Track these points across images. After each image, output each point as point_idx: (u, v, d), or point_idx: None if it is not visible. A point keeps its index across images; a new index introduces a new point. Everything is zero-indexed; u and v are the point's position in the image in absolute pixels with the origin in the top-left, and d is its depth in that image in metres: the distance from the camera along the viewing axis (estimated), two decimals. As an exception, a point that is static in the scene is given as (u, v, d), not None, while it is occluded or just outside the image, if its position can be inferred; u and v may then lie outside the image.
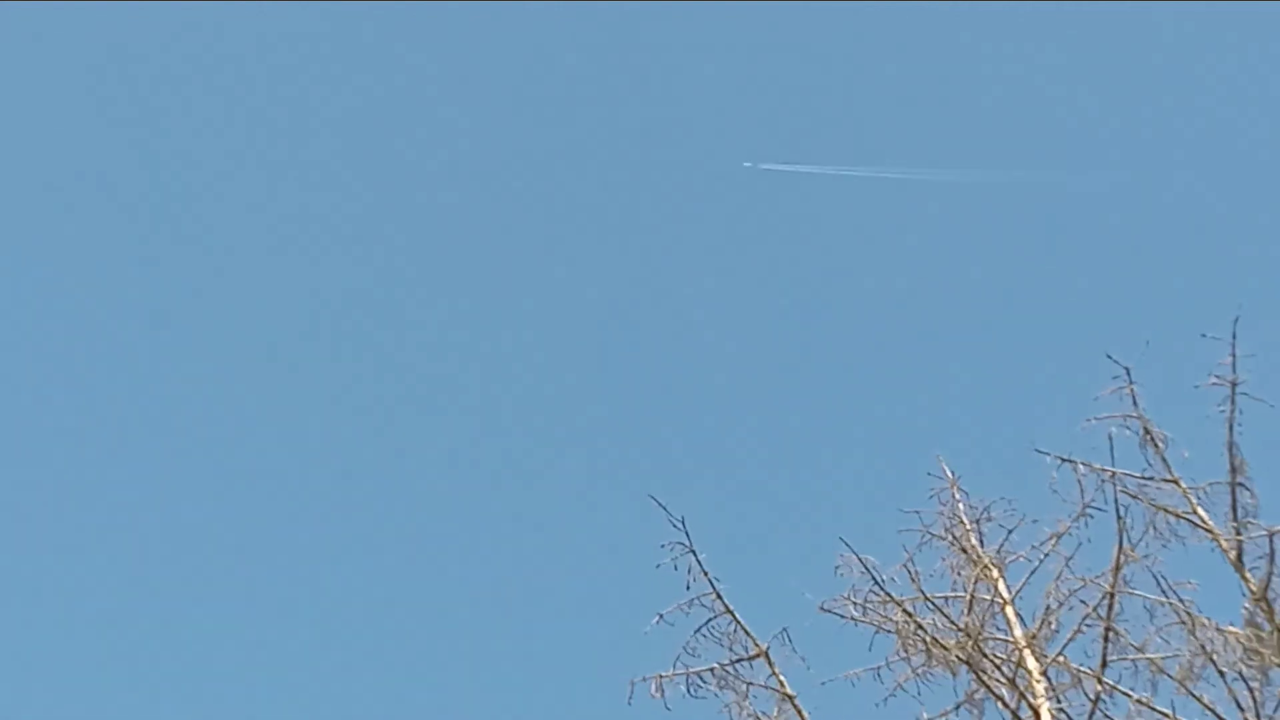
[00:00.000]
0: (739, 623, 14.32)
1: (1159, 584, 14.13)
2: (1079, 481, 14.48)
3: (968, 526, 15.05)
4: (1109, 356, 14.59)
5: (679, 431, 36.71)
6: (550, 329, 39.31)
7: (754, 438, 35.86)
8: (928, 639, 14.31)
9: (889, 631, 14.50)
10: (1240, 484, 14.19)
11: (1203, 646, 13.81)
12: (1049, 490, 14.60)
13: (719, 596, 14.31)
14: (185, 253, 40.46)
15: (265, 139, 41.79)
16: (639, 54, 42.22)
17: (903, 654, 14.44)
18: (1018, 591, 14.70)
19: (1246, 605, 13.95)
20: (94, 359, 39.70)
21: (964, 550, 14.89)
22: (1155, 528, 14.31)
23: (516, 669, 31.32)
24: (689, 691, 14.21)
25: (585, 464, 36.50)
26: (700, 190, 40.49)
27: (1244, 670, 13.67)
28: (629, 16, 41.84)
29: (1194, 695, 13.76)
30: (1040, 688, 14.05)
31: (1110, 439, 14.44)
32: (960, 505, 15.18)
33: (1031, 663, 14.19)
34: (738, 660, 14.27)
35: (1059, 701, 14.04)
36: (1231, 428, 14.24)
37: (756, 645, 14.30)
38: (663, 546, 14.39)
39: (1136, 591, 14.26)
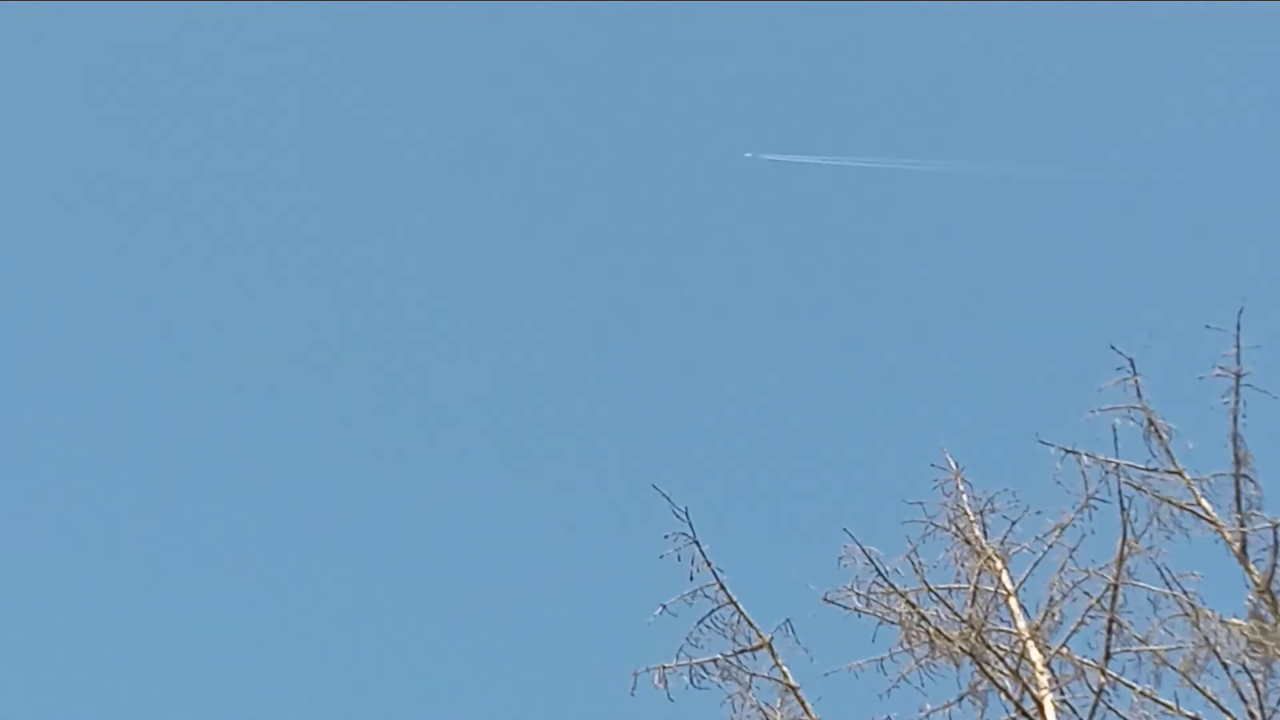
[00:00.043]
0: (742, 614, 14.32)
1: (1163, 576, 14.14)
2: (1083, 473, 14.48)
3: (971, 518, 15.04)
4: (1113, 348, 14.59)
5: (682, 422, 36.74)
6: (553, 321, 39.33)
7: (757, 429, 35.87)
8: (931, 630, 14.30)
9: (892, 623, 14.50)
10: (1244, 476, 14.19)
11: (1206, 639, 13.79)
12: (1053, 482, 14.62)
13: (722, 587, 14.31)
14: (185, 253, 40.46)
15: (264, 139, 41.79)
16: (639, 46, 42.22)
17: (906, 645, 14.43)
18: (1021, 583, 14.69)
19: (1250, 597, 13.94)
20: (94, 359, 39.71)
21: (967, 541, 14.88)
22: (1159, 519, 14.30)
23: (520, 660, 31.34)
24: (692, 682, 14.20)
25: (588, 455, 36.52)
26: (701, 181, 40.50)
27: (1248, 662, 13.66)
28: (629, 8, 41.86)
29: (1197, 687, 13.75)
30: (1044, 679, 14.05)
31: (1114, 430, 14.44)
32: (964, 496, 15.17)
33: (1035, 654, 14.18)
34: (741, 651, 14.27)
35: (1062, 693, 14.03)
36: (1236, 419, 14.23)
37: (760, 636, 14.29)
38: (666, 537, 14.40)
39: (1140, 583, 14.25)
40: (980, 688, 14.29)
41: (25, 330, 39.96)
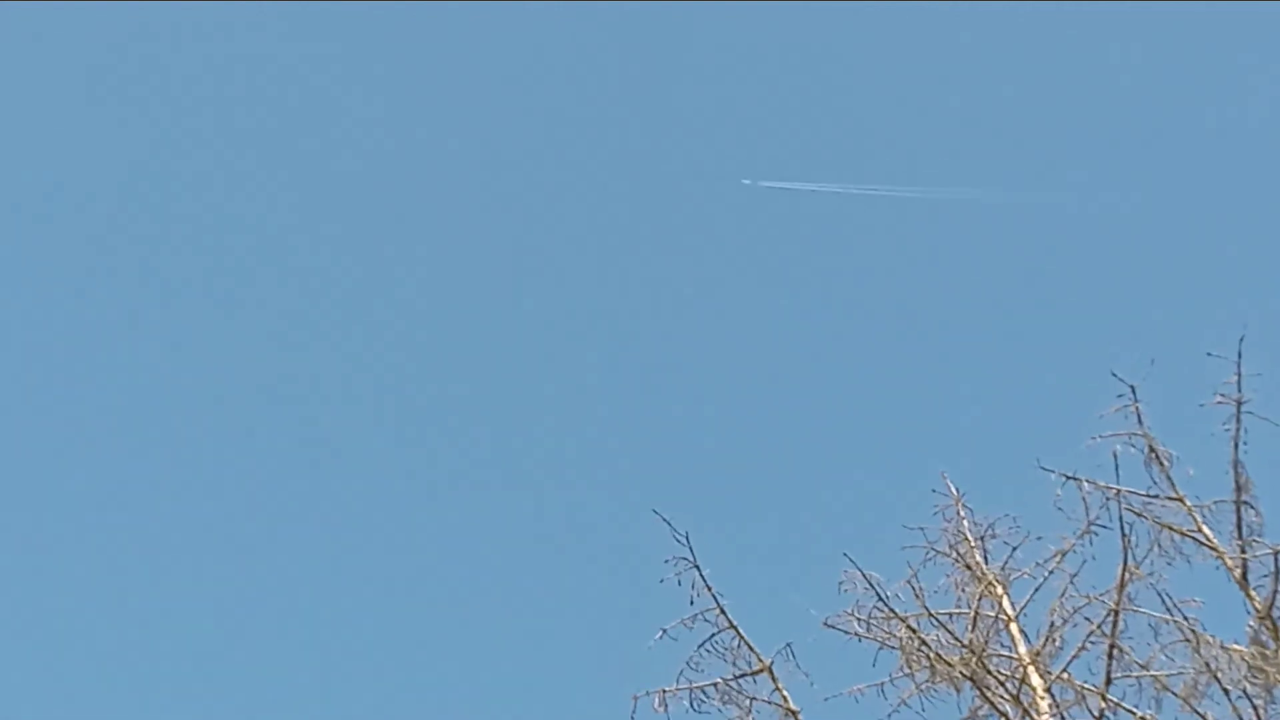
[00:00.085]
0: (742, 638, 14.32)
1: (1163, 601, 14.15)
2: (1084, 499, 14.51)
3: (972, 543, 15.05)
4: (1114, 374, 14.63)
5: (682, 446, 36.72)
6: (553, 345, 39.36)
7: (758, 453, 35.85)
8: (932, 655, 14.31)
9: (893, 648, 14.50)
10: (1245, 502, 14.21)
11: (1207, 664, 13.80)
12: (1054, 507, 14.64)
13: (723, 611, 14.32)
14: (183, 254, 40.53)
15: (262, 140, 41.87)
16: (637, 72, 42.28)
17: (907, 670, 14.43)
18: (1022, 608, 14.70)
19: (1251, 623, 13.95)
20: (92, 360, 39.76)
21: (968, 567, 14.89)
22: (1160, 545, 14.31)
23: (520, 684, 31.30)
24: (692, 707, 14.20)
25: (589, 479, 36.49)
26: (700, 208, 40.54)
27: (1248, 688, 13.66)
28: (627, 33, 41.96)
29: (1198, 713, 13.76)
30: (1044, 705, 14.04)
31: (1115, 456, 14.47)
32: (965, 522, 15.19)
33: (1035, 680, 14.18)
34: (741, 675, 14.27)
35: (1063, 719, 14.03)
36: (1237, 446, 14.27)
37: (760, 660, 14.29)
38: (666, 561, 14.41)
39: (1141, 609, 14.26)
40: (981, 713, 14.29)
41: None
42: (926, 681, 14.37)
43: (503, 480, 37.50)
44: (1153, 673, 14.06)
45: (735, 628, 14.31)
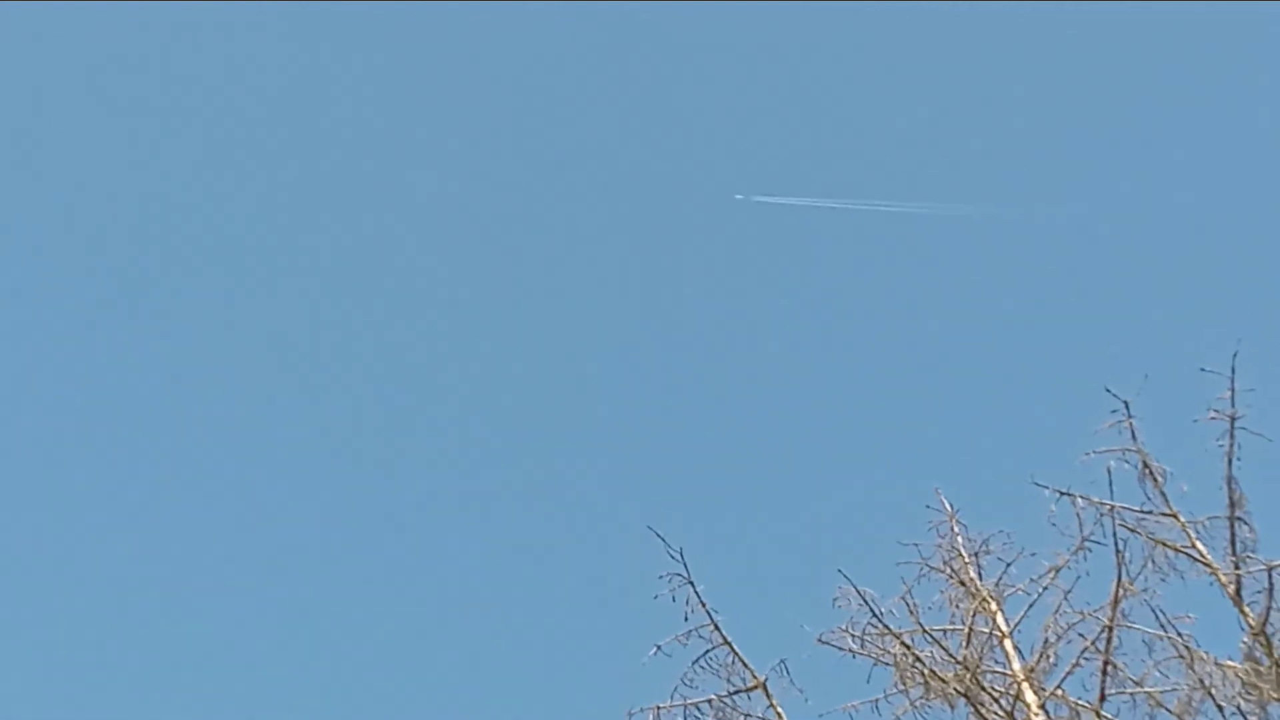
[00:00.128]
0: (737, 654, 14.32)
1: (1157, 618, 14.16)
2: (1078, 515, 14.51)
3: (966, 559, 15.05)
4: (1108, 390, 14.63)
5: (677, 461, 36.73)
6: (549, 360, 39.36)
7: (752, 469, 35.87)
8: (926, 671, 14.30)
9: (887, 664, 14.50)
10: (1239, 518, 14.20)
11: (1201, 681, 13.80)
12: (1047, 523, 14.63)
13: (717, 628, 14.32)
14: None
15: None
16: (630, 86, 42.33)
17: (901, 687, 14.43)
18: (1016, 624, 14.71)
19: (1245, 640, 13.94)
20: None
21: (962, 583, 14.89)
22: (1154, 562, 14.31)
23: (515, 700, 31.28)
24: (687, 723, 14.20)
25: (583, 495, 36.50)
26: (695, 223, 40.58)
27: (1242, 705, 13.66)
28: (620, 47, 42.03)
29: (1192, 729, 13.76)
30: (1038, 721, 14.05)
31: (1109, 472, 14.47)
32: (959, 538, 15.19)
33: (1030, 696, 14.18)
34: (736, 692, 14.26)
35: (1057, 735, 14.03)
36: (1230, 462, 14.25)
37: (754, 677, 14.29)
38: (661, 577, 14.41)
39: (1135, 625, 14.26)
40: (975, 729, 14.29)
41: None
42: (921, 698, 14.37)
43: (497, 495, 37.51)
44: (1147, 689, 14.06)
45: (729, 644, 14.31)
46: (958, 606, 14.86)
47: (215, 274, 40.22)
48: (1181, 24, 38.22)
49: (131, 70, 41.56)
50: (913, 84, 40.96)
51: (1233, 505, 14.22)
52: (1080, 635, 14.34)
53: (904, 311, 38.04)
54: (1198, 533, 14.31)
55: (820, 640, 14.57)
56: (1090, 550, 14.46)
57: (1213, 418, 14.32)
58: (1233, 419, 14.26)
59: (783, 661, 14.32)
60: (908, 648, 14.44)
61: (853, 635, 14.56)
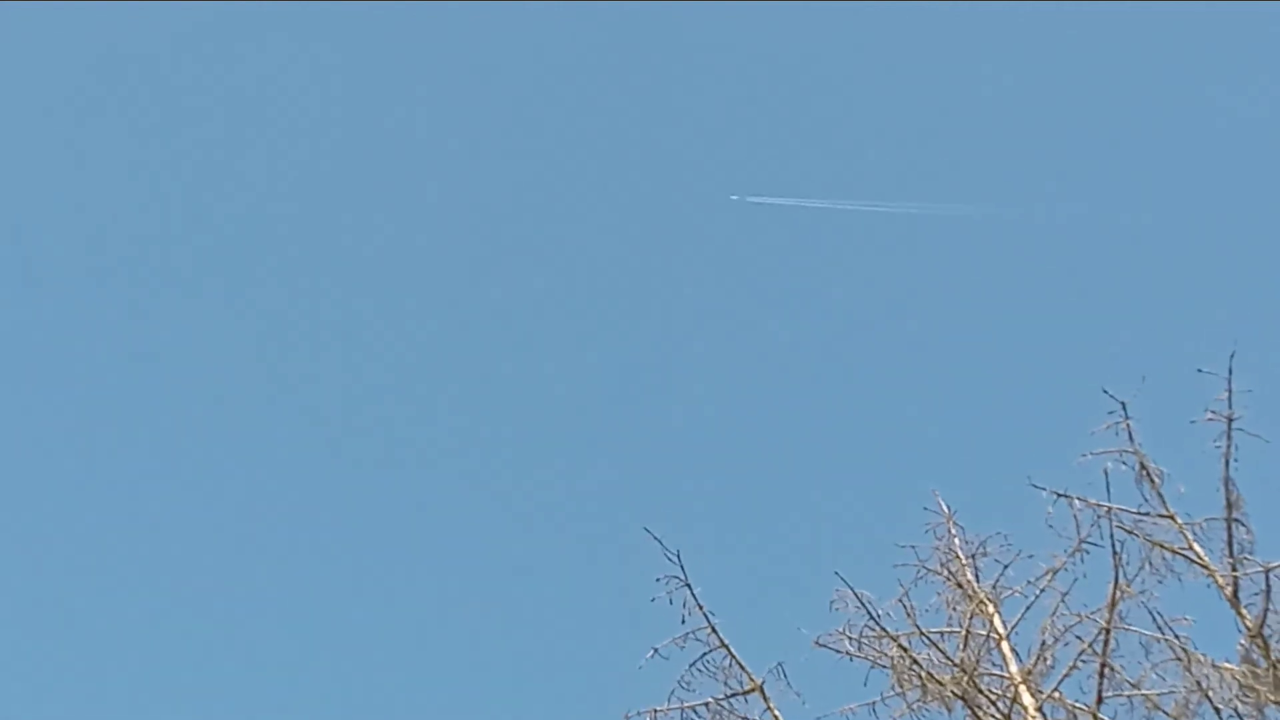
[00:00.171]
0: (734, 657, 14.31)
1: (1155, 620, 14.15)
2: (1075, 516, 14.49)
3: (963, 561, 15.04)
4: (1105, 391, 14.61)
5: (674, 464, 36.72)
6: (544, 363, 39.34)
7: (749, 471, 35.86)
8: (923, 674, 14.29)
9: (884, 667, 14.48)
10: (1236, 520, 14.19)
11: (1198, 683, 13.79)
12: (1045, 525, 14.62)
13: (714, 631, 14.30)
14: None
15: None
16: (628, 88, 42.35)
17: (898, 689, 14.42)
18: (1013, 627, 14.69)
19: (1242, 641, 13.93)
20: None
21: (959, 585, 14.88)
22: (1151, 563, 14.30)
23: (512, 702, 31.27)
24: (684, 726, 14.18)
25: (579, 498, 36.49)
26: (690, 224, 40.57)
27: (1239, 707, 13.65)
28: (616, 48, 42.03)
29: (1190, 731, 13.74)
30: (1036, 724, 14.03)
31: (1106, 474, 14.46)
32: (956, 540, 15.18)
33: (1027, 698, 14.16)
34: (733, 695, 14.25)
35: (1054, 737, 14.02)
36: (1228, 463, 14.24)
37: (751, 680, 14.27)
38: (658, 580, 14.39)
39: (1132, 627, 14.25)
40: (972, 732, 14.27)
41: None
42: (918, 700, 14.36)
43: (494, 498, 37.50)
44: (1144, 691, 14.05)
45: (727, 647, 14.30)
46: (955, 609, 14.85)
47: (215, 274, 40.28)
48: (1181, 24, 38.25)
49: (131, 70, 41.63)
50: (911, 84, 41.01)
51: (1230, 507, 14.21)
52: (1077, 637, 14.34)
53: (902, 312, 38.06)
54: (1195, 534, 14.31)
55: (817, 643, 14.56)
56: (1087, 552, 14.46)
57: (1210, 419, 14.32)
58: (1230, 420, 14.26)
59: (780, 664, 14.32)
60: (905, 650, 14.43)
61: (850, 638, 14.55)
